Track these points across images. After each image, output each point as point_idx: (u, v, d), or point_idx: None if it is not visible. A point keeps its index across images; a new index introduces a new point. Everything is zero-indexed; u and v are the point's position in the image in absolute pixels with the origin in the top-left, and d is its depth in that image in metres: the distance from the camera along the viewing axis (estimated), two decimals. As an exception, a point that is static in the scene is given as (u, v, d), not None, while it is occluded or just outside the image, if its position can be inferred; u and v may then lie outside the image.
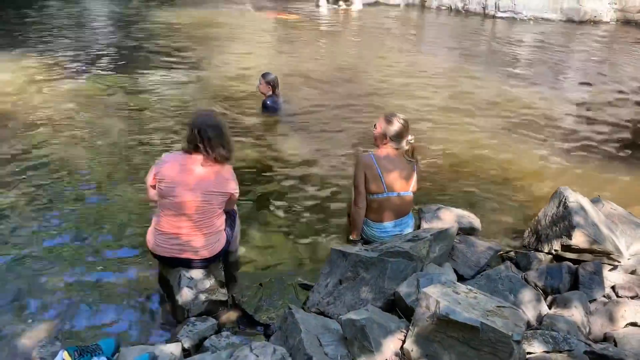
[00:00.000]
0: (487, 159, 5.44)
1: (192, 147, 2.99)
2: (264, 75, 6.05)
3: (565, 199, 3.50)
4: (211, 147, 2.96)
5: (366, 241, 3.65)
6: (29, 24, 11.22)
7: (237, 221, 3.41)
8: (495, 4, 15.38)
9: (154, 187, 3.08)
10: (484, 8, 15.57)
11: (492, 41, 12.37)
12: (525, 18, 15.00)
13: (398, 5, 16.93)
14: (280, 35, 11.77)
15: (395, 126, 3.50)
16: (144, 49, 9.50)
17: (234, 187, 3.12)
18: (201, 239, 3.03)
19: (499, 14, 15.27)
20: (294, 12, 14.09)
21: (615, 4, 14.88)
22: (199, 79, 7.79)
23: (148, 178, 3.13)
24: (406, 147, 3.57)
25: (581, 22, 14.65)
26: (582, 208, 3.42)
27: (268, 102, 6.08)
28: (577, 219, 3.32)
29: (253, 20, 13.05)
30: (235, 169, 3.21)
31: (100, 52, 9.17)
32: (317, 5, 15.53)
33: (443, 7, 16.43)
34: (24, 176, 4.57)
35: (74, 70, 7.89)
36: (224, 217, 3.18)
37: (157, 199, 3.06)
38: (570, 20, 14.69)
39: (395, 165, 3.53)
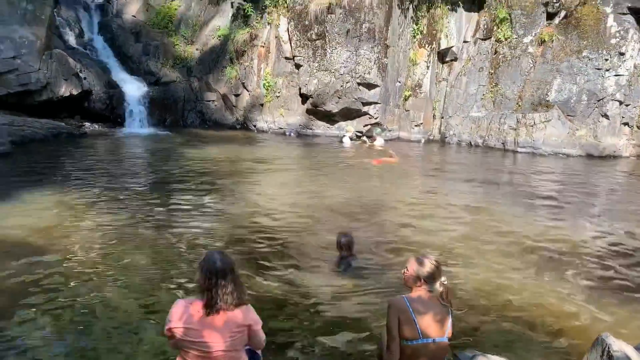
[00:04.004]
0: (518, 297, 5.28)
1: (202, 293, 2.96)
2: (339, 237, 5.89)
3: (608, 348, 3.32)
4: (219, 293, 2.92)
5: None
6: (68, 160, 11.91)
7: None
8: (515, 139, 15.93)
9: (171, 335, 3.02)
10: (503, 143, 16.12)
11: (513, 176, 12.62)
12: (544, 153, 15.40)
13: (419, 141, 17.66)
14: (307, 171, 12.21)
15: (428, 267, 3.46)
16: (181, 182, 9.91)
17: (253, 318, 3.04)
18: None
19: (519, 149, 15.74)
20: (393, 156, 14.50)
21: (634, 139, 15.27)
22: (228, 214, 8.00)
23: (167, 324, 3.05)
24: (440, 289, 3.49)
25: (600, 157, 14.96)
26: (628, 358, 3.23)
27: (352, 263, 5.79)
28: (624, 370, 3.12)
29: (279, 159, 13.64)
30: (257, 302, 3.16)
31: (136, 188, 9.57)
32: (341, 142, 16.25)
33: (463, 143, 17.06)
34: (57, 311, 4.57)
35: (109, 205, 8.18)
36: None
37: (178, 346, 2.99)
38: (589, 156, 15.02)
39: (429, 309, 3.42)
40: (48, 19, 15.52)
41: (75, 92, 16.07)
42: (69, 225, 7.04)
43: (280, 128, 18.12)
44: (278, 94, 18.09)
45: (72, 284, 5.18)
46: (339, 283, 5.45)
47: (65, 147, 13.46)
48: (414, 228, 7.58)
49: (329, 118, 17.56)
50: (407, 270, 3.54)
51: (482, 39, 17.52)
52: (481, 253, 6.59)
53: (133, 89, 17.95)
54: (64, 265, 5.65)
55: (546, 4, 16.37)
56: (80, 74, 16.31)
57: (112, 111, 17.49)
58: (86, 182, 9.58)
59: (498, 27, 17.09)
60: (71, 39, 18.90)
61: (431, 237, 7.10)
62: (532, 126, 15.80)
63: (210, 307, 2.90)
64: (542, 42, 16.34)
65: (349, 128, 16.72)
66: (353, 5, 16.54)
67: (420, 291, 3.47)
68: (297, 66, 17.60)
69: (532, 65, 16.53)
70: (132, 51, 19.49)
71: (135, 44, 19.62)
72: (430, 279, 3.46)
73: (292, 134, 17.81)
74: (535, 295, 5.35)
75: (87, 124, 16.93)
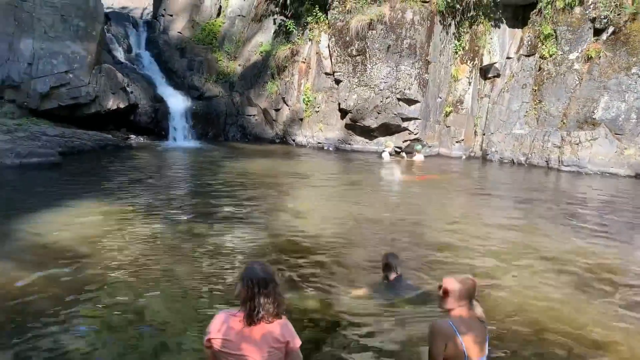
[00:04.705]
0: (559, 321, 5.09)
1: (244, 303, 2.97)
2: (385, 257, 5.65)
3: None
4: (260, 303, 2.92)
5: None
6: (114, 171, 12.28)
7: None
8: (559, 157, 15.52)
9: (209, 347, 3.04)
10: (547, 161, 15.72)
11: (557, 195, 12.27)
12: (590, 172, 14.93)
13: (459, 158, 17.44)
14: (345, 186, 12.21)
15: (468, 285, 3.37)
16: (221, 195, 10.07)
17: (291, 334, 3.02)
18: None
19: (563, 168, 15.32)
20: (435, 173, 14.54)
21: (686, 160, 14.65)
22: (266, 226, 8.07)
23: (207, 335, 3.06)
24: (478, 308, 3.42)
25: (651, 177, 14.39)
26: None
27: (402, 284, 5.58)
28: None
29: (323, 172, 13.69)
30: (292, 319, 3.15)
31: (177, 199, 9.79)
32: (380, 157, 16.20)
33: (505, 160, 16.73)
34: (97, 317, 4.70)
35: (151, 215, 8.38)
36: None
37: (216, 358, 3.01)
38: (638, 175, 14.47)
39: (472, 329, 3.32)
40: (98, 35, 16.16)
41: (122, 106, 16.62)
42: (112, 234, 7.24)
43: (319, 143, 18.22)
44: (317, 109, 18.23)
45: (112, 290, 5.32)
46: (379, 303, 5.38)
47: (111, 159, 13.91)
48: (453, 247, 7.45)
49: (368, 133, 17.55)
50: (448, 290, 3.43)
51: (526, 55, 17.23)
52: (522, 275, 6.41)
53: (177, 103, 18.44)
54: (106, 272, 5.80)
55: (593, 20, 15.99)
56: (128, 88, 16.87)
57: (157, 124, 18.00)
58: (130, 193, 9.85)
59: (542, 43, 16.78)
60: (119, 54, 19.60)
61: (471, 258, 6.96)
62: (577, 144, 15.36)
63: (251, 318, 2.91)
64: (589, 58, 15.93)
65: (388, 143, 16.66)
66: (394, 21, 16.57)
67: (461, 311, 3.38)
68: (337, 81, 17.70)
69: (578, 82, 16.12)
70: (177, 66, 20.06)
71: (181, 60, 20.19)
72: (472, 297, 3.39)
73: (330, 149, 17.88)
74: (577, 320, 5.16)
75: (133, 137, 17.47)
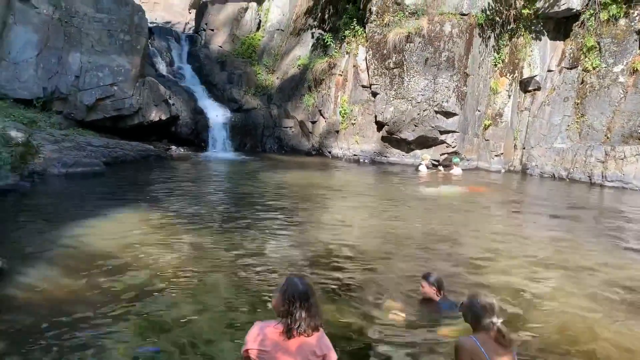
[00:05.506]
0: (605, 344, 4.93)
1: (284, 316, 3.01)
2: (425, 277, 5.48)
3: None
4: (302, 316, 2.96)
5: None
6: (155, 181, 12.60)
7: None
8: (602, 173, 15.07)
9: (247, 357, 3.08)
10: (589, 177, 15.28)
11: (601, 212, 11.90)
12: (636, 188, 14.43)
13: (498, 171, 17.14)
14: (381, 199, 12.17)
15: (495, 306, 3.39)
16: (257, 206, 10.19)
17: (327, 346, 3.04)
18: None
19: (607, 183, 14.86)
20: (483, 185, 14.45)
21: None
22: (302, 238, 8.12)
23: (244, 346, 3.13)
24: (503, 330, 3.37)
25: (701, 195, 13.80)
26: None
27: (442, 307, 5.38)
28: None
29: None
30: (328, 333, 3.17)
31: (215, 210, 9.94)
32: (417, 170, 16.08)
33: (545, 175, 16.36)
34: (133, 324, 4.83)
35: (190, 225, 8.54)
36: None
37: None
38: (687, 192, 13.91)
39: (497, 348, 3.30)
40: (142, 49, 16.70)
41: (164, 117, 17.08)
42: (153, 242, 7.41)
43: (355, 155, 18.25)
44: (354, 121, 18.28)
45: (149, 299, 5.43)
46: (417, 319, 5.32)
47: (152, 169, 14.29)
48: (492, 265, 7.31)
49: (405, 146, 17.48)
50: (475, 308, 3.46)
51: (568, 68, 16.87)
52: (565, 295, 6.23)
53: (217, 115, 18.84)
54: (144, 280, 5.94)
55: (639, 32, 15.55)
56: (169, 100, 17.34)
57: (197, 136, 18.40)
58: (170, 202, 10.08)
59: (585, 56, 16.40)
60: (162, 67, 20.19)
61: (510, 276, 6.80)
62: (622, 159, 14.88)
63: (291, 331, 2.95)
64: (634, 71, 15.48)
65: (424, 156, 16.53)
66: (432, 34, 16.52)
67: (487, 331, 3.38)
68: (374, 94, 17.73)
69: (622, 95, 15.67)
70: (217, 79, 20.51)
71: (221, 73, 20.64)
72: (498, 316, 3.38)
73: (366, 161, 17.87)
74: (624, 344, 4.99)
75: (173, 147, 17.90)
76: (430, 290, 5.38)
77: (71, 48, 15.49)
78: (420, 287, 5.51)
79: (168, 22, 27.31)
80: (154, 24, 23.46)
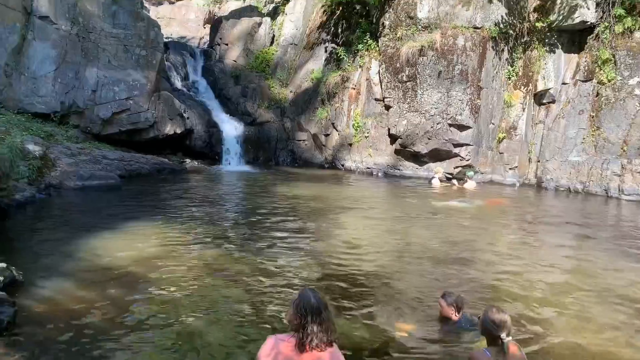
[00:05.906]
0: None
1: (297, 330, 3.00)
2: (443, 296, 5.43)
3: None
4: (314, 331, 2.96)
5: None
6: (169, 194, 12.67)
7: None
8: (619, 186, 14.89)
9: None
10: (606, 190, 15.10)
11: (619, 226, 11.74)
12: (654, 202, 14.24)
13: (513, 185, 17.00)
14: (394, 212, 12.13)
15: (508, 320, 3.37)
16: (271, 219, 10.21)
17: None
18: None
19: (624, 197, 14.67)
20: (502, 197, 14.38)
21: None
22: (315, 252, 8.11)
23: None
24: (514, 344, 3.36)
25: None
26: None
27: (458, 324, 5.30)
28: None
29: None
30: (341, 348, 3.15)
31: (228, 223, 9.99)
32: (430, 183, 16.02)
33: (561, 188, 16.19)
34: (148, 336, 4.84)
35: (203, 238, 8.58)
36: None
37: None
38: None
39: (509, 357, 3.28)
40: (158, 63, 16.92)
41: (179, 131, 17.25)
42: (167, 255, 7.45)
43: (368, 168, 18.24)
44: (367, 135, 18.31)
45: (164, 311, 5.45)
46: (432, 338, 5.29)
47: (167, 182, 14.40)
48: (507, 281, 7.21)
49: (418, 159, 17.44)
50: (487, 323, 3.44)
51: (583, 81, 16.75)
52: (583, 314, 6.13)
53: (231, 128, 18.99)
54: (158, 293, 5.97)
55: (655, 44, 15.44)
56: (184, 114, 17.51)
57: (211, 149, 18.54)
58: (185, 215, 10.14)
59: (600, 69, 16.29)
60: (177, 81, 20.43)
61: (527, 291, 6.72)
62: (639, 173, 14.71)
63: (304, 345, 2.94)
64: (651, 83, 15.35)
65: (438, 169, 16.47)
66: (445, 47, 16.54)
67: (498, 345, 3.36)
68: (387, 107, 17.76)
69: (638, 108, 15.51)
70: (231, 93, 20.70)
71: (235, 87, 20.83)
72: (509, 332, 3.37)
73: (379, 174, 17.85)
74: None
75: (188, 161, 18.04)
76: (448, 311, 5.32)
77: (88, 63, 15.74)
78: (439, 307, 5.46)
79: (183, 37, 27.67)
80: (170, 39, 23.79)
